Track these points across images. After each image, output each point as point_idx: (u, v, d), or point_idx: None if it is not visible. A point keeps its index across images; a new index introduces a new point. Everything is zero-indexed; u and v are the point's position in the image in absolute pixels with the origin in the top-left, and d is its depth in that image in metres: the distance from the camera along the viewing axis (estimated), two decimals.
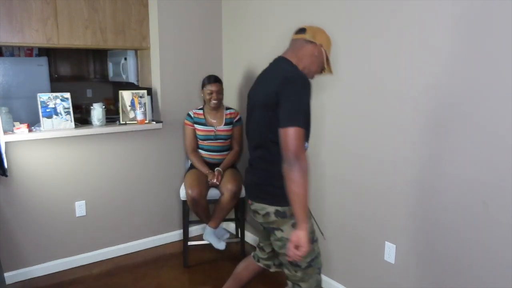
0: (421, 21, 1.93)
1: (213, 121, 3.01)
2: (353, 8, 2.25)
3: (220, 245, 2.93)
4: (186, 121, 3.03)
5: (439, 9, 1.84)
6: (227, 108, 3.07)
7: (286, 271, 1.83)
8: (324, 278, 2.61)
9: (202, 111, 3.03)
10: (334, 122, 2.47)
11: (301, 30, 1.82)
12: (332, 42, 1.91)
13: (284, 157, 1.58)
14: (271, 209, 1.72)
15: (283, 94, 1.60)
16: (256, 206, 1.77)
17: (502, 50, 1.64)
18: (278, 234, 1.75)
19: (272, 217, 1.73)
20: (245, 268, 2.10)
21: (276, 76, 1.69)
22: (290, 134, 1.55)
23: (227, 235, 3.07)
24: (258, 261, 2.05)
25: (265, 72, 1.83)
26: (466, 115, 1.80)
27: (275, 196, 1.70)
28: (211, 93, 2.92)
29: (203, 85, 2.96)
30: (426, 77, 1.94)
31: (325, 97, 2.49)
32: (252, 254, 2.10)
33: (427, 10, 1.89)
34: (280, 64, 1.78)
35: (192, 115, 3.01)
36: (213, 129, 2.98)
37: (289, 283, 1.84)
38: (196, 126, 3.00)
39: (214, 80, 2.94)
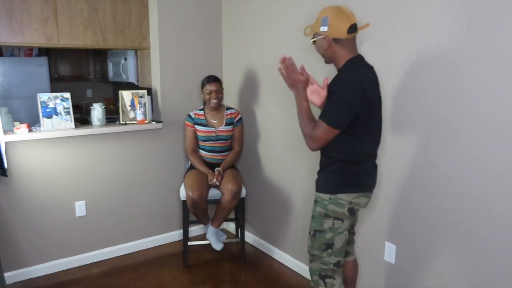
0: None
1: (213, 121, 3.00)
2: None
3: (218, 246, 2.95)
4: (187, 122, 3.02)
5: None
6: (228, 108, 3.07)
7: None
8: None
9: (202, 111, 3.02)
10: None
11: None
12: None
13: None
14: None
15: None
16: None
17: (504, 49, 1.65)
18: None
19: None
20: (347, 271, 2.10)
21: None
22: None
23: (225, 236, 3.11)
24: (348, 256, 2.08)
25: (371, 72, 1.78)
26: (466, 114, 1.80)
27: None
28: (210, 93, 2.91)
29: (203, 86, 2.96)
30: (423, 75, 1.94)
31: None
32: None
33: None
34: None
35: (193, 116, 3.01)
36: (214, 130, 2.98)
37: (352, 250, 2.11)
38: (197, 127, 2.99)
39: (213, 79, 2.94)
